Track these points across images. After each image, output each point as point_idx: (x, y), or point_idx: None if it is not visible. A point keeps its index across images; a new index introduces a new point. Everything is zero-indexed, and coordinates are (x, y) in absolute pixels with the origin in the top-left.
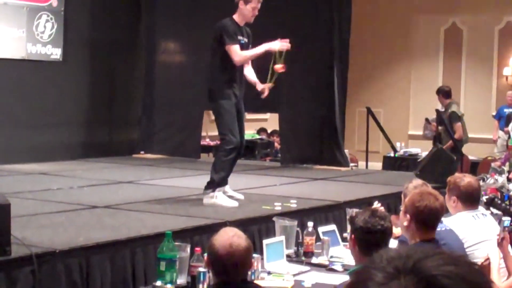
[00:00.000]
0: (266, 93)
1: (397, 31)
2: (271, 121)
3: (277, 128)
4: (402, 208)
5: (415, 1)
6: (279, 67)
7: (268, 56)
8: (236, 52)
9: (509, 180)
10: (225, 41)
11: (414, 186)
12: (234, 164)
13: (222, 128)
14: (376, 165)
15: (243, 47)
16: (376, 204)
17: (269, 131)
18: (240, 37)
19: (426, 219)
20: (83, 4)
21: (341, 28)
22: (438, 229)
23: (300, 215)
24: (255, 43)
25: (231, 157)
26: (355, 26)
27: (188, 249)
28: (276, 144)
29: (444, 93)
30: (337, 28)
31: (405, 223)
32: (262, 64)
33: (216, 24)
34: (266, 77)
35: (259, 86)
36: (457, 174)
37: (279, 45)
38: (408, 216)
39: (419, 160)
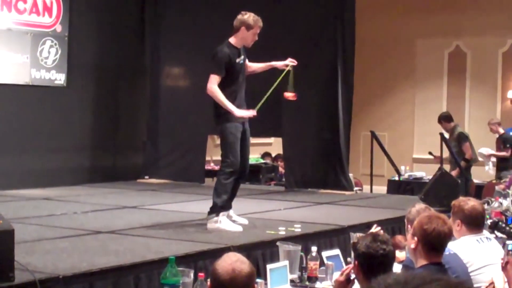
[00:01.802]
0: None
1: (401, 55)
2: (275, 145)
3: (281, 152)
4: (409, 231)
5: (418, 24)
6: (290, 95)
7: (268, 79)
8: (213, 83)
9: None
10: (211, 68)
11: (417, 210)
12: (237, 188)
13: (224, 150)
14: (381, 189)
15: (242, 67)
16: (375, 228)
17: (273, 155)
18: (237, 60)
19: (434, 242)
20: (87, 29)
21: (345, 51)
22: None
23: (304, 239)
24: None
25: (232, 180)
26: (359, 50)
27: (192, 274)
28: (280, 169)
29: (446, 118)
30: (341, 51)
31: (412, 246)
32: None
33: (214, 50)
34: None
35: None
36: (461, 198)
37: (245, 114)
38: (415, 238)
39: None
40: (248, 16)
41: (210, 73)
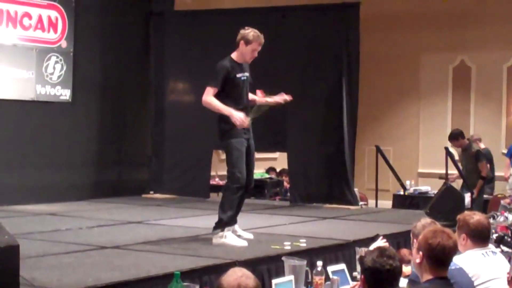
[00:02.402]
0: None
1: (406, 70)
2: (280, 160)
3: (286, 167)
4: (414, 245)
5: (423, 39)
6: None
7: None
8: (208, 95)
9: None
10: (209, 81)
11: (422, 225)
12: (242, 203)
13: (230, 166)
14: (386, 203)
15: (244, 83)
16: (381, 240)
17: (278, 170)
18: (239, 75)
19: (439, 256)
20: (92, 45)
21: (350, 66)
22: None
23: (310, 254)
24: (263, 82)
25: (238, 195)
26: (364, 64)
27: None
28: (285, 183)
29: (459, 135)
30: (346, 66)
31: (418, 260)
32: None
33: (216, 64)
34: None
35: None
36: (466, 212)
37: (243, 120)
38: (420, 253)
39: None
40: (249, 32)
41: (207, 86)
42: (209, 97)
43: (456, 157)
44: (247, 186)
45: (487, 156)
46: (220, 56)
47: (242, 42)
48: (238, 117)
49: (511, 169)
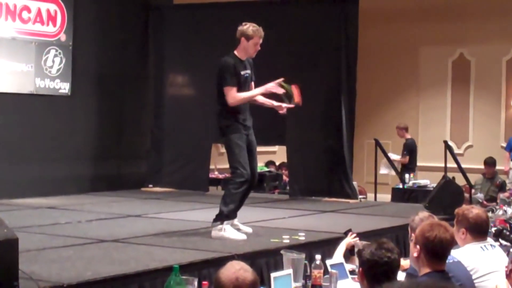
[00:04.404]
0: (283, 110)
1: (405, 63)
2: (279, 153)
3: (285, 160)
4: (411, 239)
5: (422, 32)
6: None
7: None
8: (232, 95)
9: None
10: (223, 82)
11: (420, 219)
12: (245, 198)
13: (232, 162)
14: (385, 197)
15: (247, 80)
16: (350, 236)
17: (277, 163)
18: (243, 72)
19: (436, 249)
20: (91, 38)
21: (349, 60)
22: (446, 261)
23: (308, 248)
24: (262, 75)
25: (242, 190)
26: (363, 57)
27: (196, 283)
28: (284, 177)
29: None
30: (344, 59)
31: (415, 254)
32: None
33: (219, 61)
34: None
35: (276, 104)
36: (465, 206)
37: (272, 85)
38: (418, 247)
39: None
40: (248, 27)
41: (223, 87)
42: (235, 95)
43: None
44: (251, 181)
45: (409, 147)
46: (219, 50)
47: (243, 38)
48: (267, 86)
49: (511, 163)
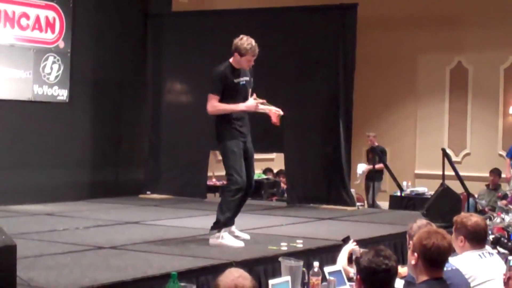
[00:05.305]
0: (277, 119)
1: (403, 71)
2: (277, 161)
3: (283, 168)
4: (409, 246)
5: (420, 40)
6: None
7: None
8: (212, 103)
9: None
10: (209, 89)
11: (418, 226)
12: (242, 205)
13: (228, 168)
14: (383, 204)
15: (244, 87)
16: (352, 243)
17: (275, 171)
18: (236, 80)
19: (434, 257)
20: (89, 45)
21: (346, 67)
22: (445, 268)
23: (306, 255)
24: (260, 82)
25: (237, 197)
26: (361, 65)
27: None
28: (282, 184)
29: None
30: (342, 68)
31: (413, 262)
32: None
33: (213, 68)
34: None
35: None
36: (463, 214)
37: (254, 105)
38: (415, 254)
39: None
40: (242, 43)
41: (208, 93)
42: (215, 103)
43: None
44: (247, 189)
45: (377, 153)
46: (217, 57)
47: (236, 53)
48: (249, 104)
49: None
